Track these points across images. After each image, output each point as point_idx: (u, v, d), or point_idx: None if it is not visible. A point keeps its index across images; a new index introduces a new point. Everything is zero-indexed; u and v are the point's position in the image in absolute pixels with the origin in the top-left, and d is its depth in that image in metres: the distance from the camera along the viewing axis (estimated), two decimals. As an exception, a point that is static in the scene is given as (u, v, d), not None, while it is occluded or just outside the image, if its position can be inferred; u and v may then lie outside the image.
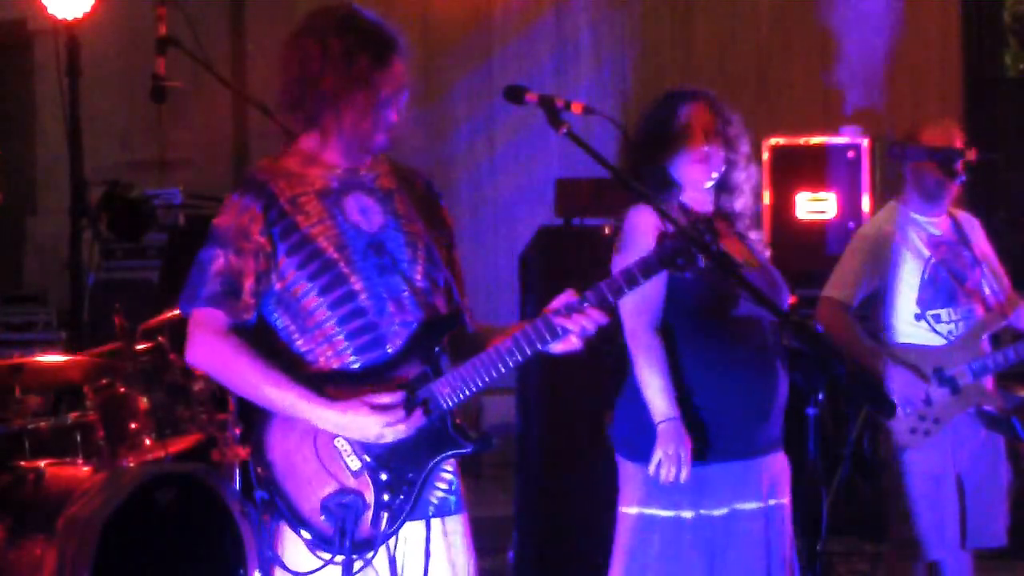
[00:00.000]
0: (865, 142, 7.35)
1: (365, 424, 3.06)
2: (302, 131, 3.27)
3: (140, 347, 5.32)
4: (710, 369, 3.80)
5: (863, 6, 8.27)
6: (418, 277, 3.22)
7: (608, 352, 5.09)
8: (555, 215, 6.40)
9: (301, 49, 3.20)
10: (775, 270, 3.99)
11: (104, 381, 5.25)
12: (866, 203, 7.29)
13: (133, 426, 5.21)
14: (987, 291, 4.93)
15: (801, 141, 7.42)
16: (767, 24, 8.53)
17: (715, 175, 3.92)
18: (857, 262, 4.96)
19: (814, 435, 3.21)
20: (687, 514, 3.79)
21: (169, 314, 5.36)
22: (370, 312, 3.15)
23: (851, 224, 7.24)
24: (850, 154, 7.31)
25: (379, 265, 3.18)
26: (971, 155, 4.90)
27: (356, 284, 3.15)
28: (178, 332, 5.46)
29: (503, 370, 3.16)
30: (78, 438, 5.27)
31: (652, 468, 3.73)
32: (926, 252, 4.90)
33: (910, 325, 4.89)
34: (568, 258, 6.06)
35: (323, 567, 3.06)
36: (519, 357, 3.15)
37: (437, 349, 3.17)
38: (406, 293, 3.19)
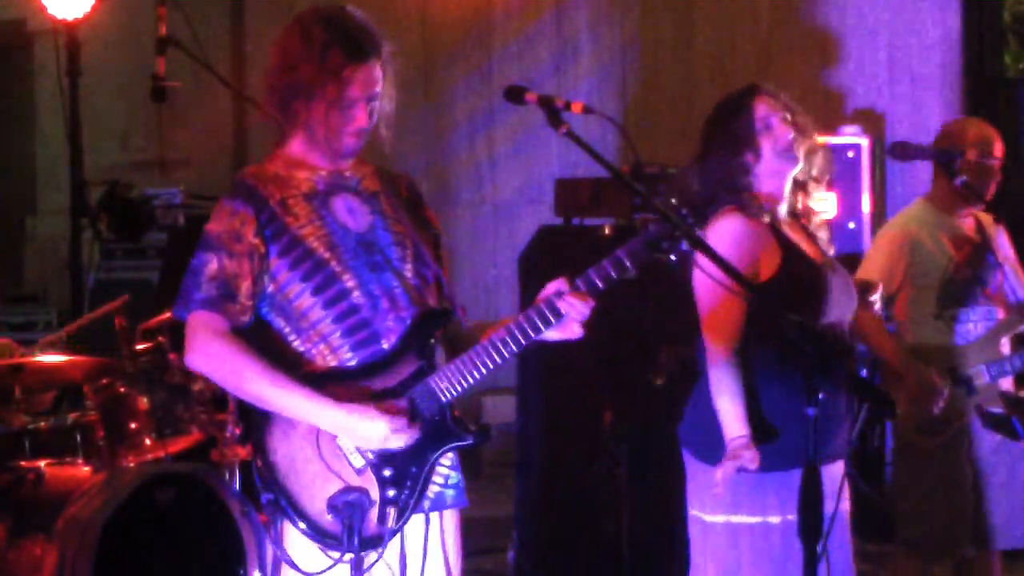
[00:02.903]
0: (865, 142, 7.35)
1: (370, 428, 3.10)
2: (284, 124, 3.30)
3: (140, 347, 5.31)
4: (784, 374, 3.72)
5: (863, 6, 8.26)
6: (408, 274, 3.27)
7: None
8: (555, 215, 6.40)
9: (286, 39, 3.27)
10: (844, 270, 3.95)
11: (104, 381, 5.25)
12: (866, 203, 7.28)
13: (133, 426, 5.21)
14: (1009, 294, 4.93)
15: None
16: (767, 24, 8.52)
17: (799, 165, 3.88)
18: (878, 258, 4.97)
19: (814, 436, 3.20)
20: (774, 519, 3.74)
21: (168, 314, 5.37)
22: (364, 309, 3.19)
23: (851, 224, 7.24)
24: (850, 154, 7.31)
25: (370, 263, 3.22)
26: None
27: (349, 282, 3.19)
28: (178, 332, 5.47)
29: (499, 360, 3.20)
30: (78, 438, 5.27)
31: (719, 474, 3.67)
32: (949, 251, 4.90)
33: (930, 324, 4.89)
34: (568, 258, 6.02)
35: (333, 566, 3.08)
36: (513, 347, 3.20)
37: (431, 343, 3.21)
38: (398, 289, 3.23)
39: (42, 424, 5.29)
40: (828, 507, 3.69)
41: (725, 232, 3.78)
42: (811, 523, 3.13)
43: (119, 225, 7.34)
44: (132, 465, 5.13)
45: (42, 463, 5.09)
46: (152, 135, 9.52)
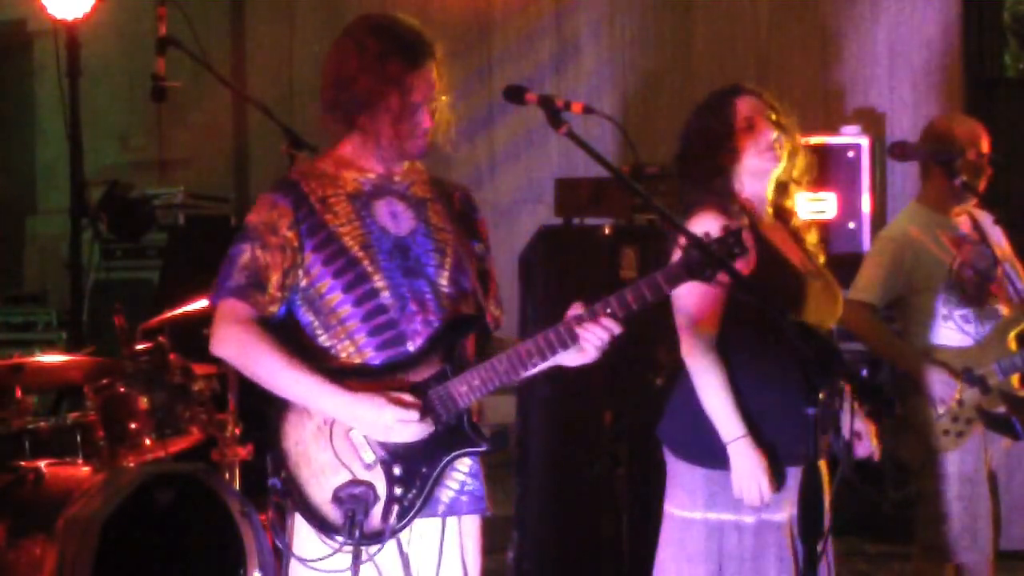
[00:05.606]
0: (865, 142, 7.35)
1: (377, 418, 3.10)
2: (342, 134, 3.34)
3: (140, 347, 5.32)
4: (768, 375, 3.74)
5: (862, 6, 8.26)
6: (444, 282, 3.28)
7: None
8: (555, 215, 6.40)
9: (339, 51, 3.31)
10: (828, 275, 3.94)
11: (104, 381, 5.25)
12: (866, 203, 7.29)
13: (133, 426, 5.21)
14: (1011, 289, 4.92)
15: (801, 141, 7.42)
16: (767, 24, 8.52)
17: (782, 164, 3.88)
18: (881, 265, 4.94)
19: (814, 435, 3.20)
20: (748, 519, 3.77)
21: (169, 314, 5.37)
22: (392, 310, 3.21)
23: (851, 224, 7.24)
24: (850, 154, 7.32)
25: (404, 267, 3.25)
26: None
27: (379, 282, 3.21)
28: (178, 332, 5.47)
29: (522, 372, 3.22)
30: (78, 438, 5.27)
31: (742, 495, 3.72)
32: (950, 252, 4.89)
33: (937, 326, 4.86)
34: (568, 258, 6.06)
35: (331, 555, 3.10)
36: (538, 360, 3.20)
37: (458, 349, 3.23)
38: (429, 295, 3.25)
39: (42, 424, 5.29)
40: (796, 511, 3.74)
41: (697, 229, 3.79)
42: (811, 522, 3.14)
43: (119, 225, 7.33)
44: (132, 465, 5.13)
45: (42, 463, 5.09)
46: (152, 135, 9.53)
